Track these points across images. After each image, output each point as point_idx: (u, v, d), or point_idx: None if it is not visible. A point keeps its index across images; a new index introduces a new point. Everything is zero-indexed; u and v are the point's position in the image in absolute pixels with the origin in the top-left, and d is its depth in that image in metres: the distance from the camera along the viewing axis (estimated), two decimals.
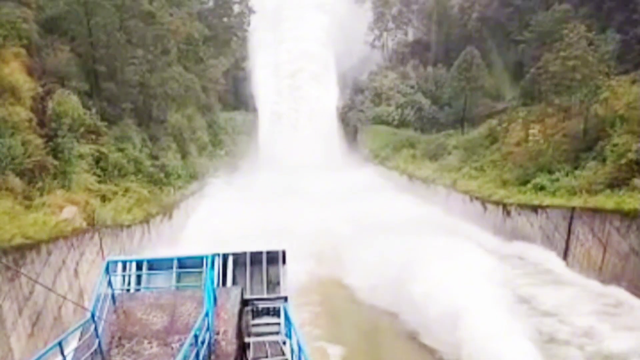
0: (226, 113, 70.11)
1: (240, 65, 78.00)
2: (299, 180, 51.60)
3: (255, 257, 14.85)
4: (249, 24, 79.22)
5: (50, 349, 9.27)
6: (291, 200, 42.94)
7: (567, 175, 32.31)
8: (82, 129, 29.23)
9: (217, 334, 11.72)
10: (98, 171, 29.29)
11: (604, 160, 30.12)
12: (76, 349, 10.46)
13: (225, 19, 76.82)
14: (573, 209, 28.69)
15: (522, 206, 33.82)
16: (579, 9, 50.17)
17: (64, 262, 20.13)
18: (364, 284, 27.00)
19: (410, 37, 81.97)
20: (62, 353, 9.46)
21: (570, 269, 28.50)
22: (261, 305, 14.01)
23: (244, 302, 13.47)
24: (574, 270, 28.14)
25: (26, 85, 25.91)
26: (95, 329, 10.65)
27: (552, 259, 29.98)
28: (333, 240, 33.44)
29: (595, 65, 34.61)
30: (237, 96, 76.11)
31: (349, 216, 38.21)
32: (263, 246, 15.24)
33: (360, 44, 77.72)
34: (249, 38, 79.02)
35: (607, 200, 26.72)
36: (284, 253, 14.93)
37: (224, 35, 74.90)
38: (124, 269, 13.71)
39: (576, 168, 32.14)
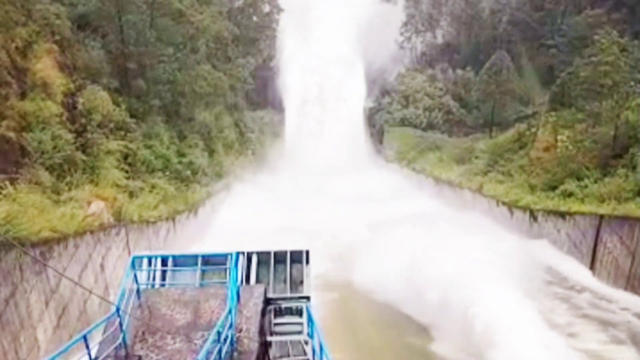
0: (253, 112, 70.51)
1: (268, 65, 78.33)
2: (324, 181, 51.76)
3: (279, 256, 14.87)
4: (277, 24, 79.44)
5: (75, 341, 9.39)
6: (316, 201, 43.09)
7: (596, 182, 31.86)
8: (111, 125, 29.50)
9: (240, 331, 11.76)
10: (126, 167, 29.40)
11: (634, 167, 29.70)
12: (101, 343, 10.56)
13: (254, 18, 77.15)
14: (601, 216, 28.27)
15: (549, 212, 33.45)
16: (611, 14, 49.63)
17: (90, 256, 20.34)
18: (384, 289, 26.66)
19: (440, 40, 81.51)
20: (87, 346, 9.57)
21: (597, 277, 28.09)
22: (284, 304, 14.03)
23: (267, 301, 13.51)
24: (601, 279, 27.73)
25: (58, 80, 26.19)
26: (120, 323, 10.75)
27: (578, 268, 29.56)
28: (356, 243, 33.31)
29: (627, 71, 34.14)
30: (264, 96, 76.40)
31: (373, 219, 38.13)
32: (287, 245, 15.26)
33: (388, 46, 77.42)
34: (277, 37, 79.24)
35: (636, 208, 26.29)
36: (307, 253, 14.91)
37: (252, 34, 75.23)
38: (150, 264, 13.84)
39: (605, 175, 31.68)
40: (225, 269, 12.84)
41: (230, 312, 11.03)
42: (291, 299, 14.11)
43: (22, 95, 23.48)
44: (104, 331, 10.86)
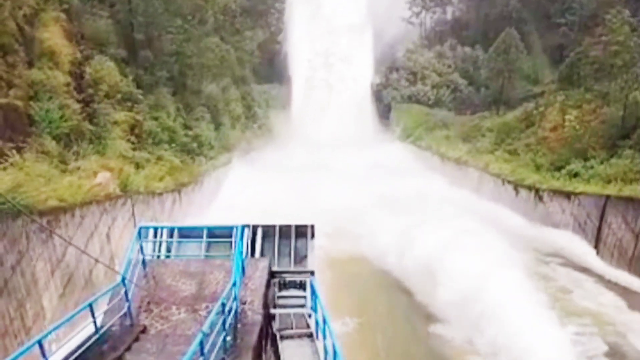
0: (260, 86, 70.15)
1: (276, 38, 77.81)
2: (330, 156, 51.70)
3: (284, 230, 14.93)
4: None
5: (81, 310, 9.49)
6: (321, 175, 42.99)
7: (602, 162, 31.78)
8: (118, 96, 29.48)
9: (244, 303, 11.85)
10: (132, 138, 29.44)
11: None
12: (106, 312, 10.68)
13: None
14: (607, 197, 28.21)
15: (554, 192, 33.41)
16: None
17: (96, 226, 20.43)
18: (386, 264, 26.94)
19: (449, 16, 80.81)
20: (92, 315, 9.68)
21: (600, 258, 28.11)
22: (288, 278, 14.11)
23: (272, 274, 13.59)
24: (604, 260, 27.76)
25: (65, 50, 26.09)
26: (126, 293, 10.85)
27: (583, 248, 29.57)
28: (359, 217, 33.31)
29: (637, 52, 33.82)
30: (271, 69, 75.94)
31: (378, 194, 38.07)
32: (292, 220, 15.30)
33: (397, 21, 76.72)
34: (286, 10, 78.58)
35: None
36: (312, 227, 14.97)
37: (261, 6, 74.75)
38: (155, 235, 13.91)
39: (612, 156, 31.58)
40: (231, 242, 12.90)
41: (234, 284, 11.10)
42: (295, 272, 14.19)
43: (30, 64, 23.43)
44: (110, 300, 10.97)
